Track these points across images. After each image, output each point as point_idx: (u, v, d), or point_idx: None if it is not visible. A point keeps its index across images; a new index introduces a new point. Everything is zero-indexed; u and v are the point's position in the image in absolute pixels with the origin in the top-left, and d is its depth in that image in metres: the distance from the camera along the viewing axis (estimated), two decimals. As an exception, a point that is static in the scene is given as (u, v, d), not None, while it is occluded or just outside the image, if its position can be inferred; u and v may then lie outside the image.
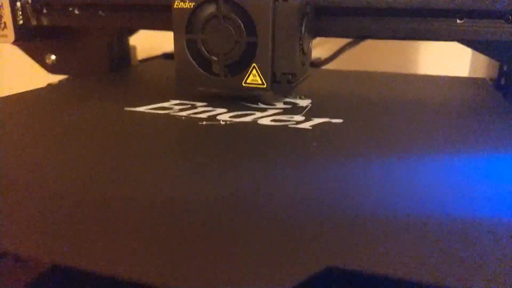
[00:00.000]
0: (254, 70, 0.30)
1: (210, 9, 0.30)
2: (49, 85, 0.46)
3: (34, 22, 0.42)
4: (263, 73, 0.30)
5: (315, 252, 0.14)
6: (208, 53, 0.31)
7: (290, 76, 0.30)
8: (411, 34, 0.33)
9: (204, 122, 0.27)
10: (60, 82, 0.48)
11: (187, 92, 0.34)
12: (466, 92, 0.39)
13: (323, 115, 0.29)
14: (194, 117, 0.28)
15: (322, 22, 0.35)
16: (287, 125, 0.27)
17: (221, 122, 0.27)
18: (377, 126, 0.28)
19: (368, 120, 0.29)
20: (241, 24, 0.30)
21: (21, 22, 0.42)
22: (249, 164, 0.21)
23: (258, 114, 0.29)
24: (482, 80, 0.43)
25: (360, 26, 0.34)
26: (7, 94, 0.34)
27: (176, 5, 0.30)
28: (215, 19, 0.30)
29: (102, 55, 0.47)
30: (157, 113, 0.29)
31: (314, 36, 0.35)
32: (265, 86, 0.30)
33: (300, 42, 0.30)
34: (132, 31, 0.50)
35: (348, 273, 0.13)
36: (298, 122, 0.28)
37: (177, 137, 0.26)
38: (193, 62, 0.31)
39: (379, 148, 0.24)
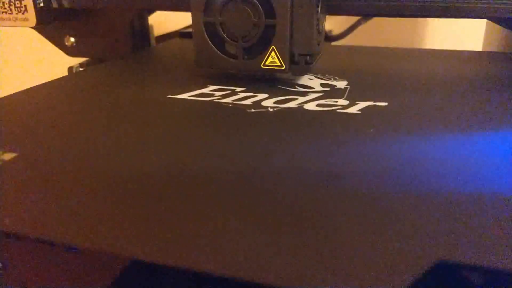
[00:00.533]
0: (273, 52, 0.30)
1: (229, -9, 0.30)
2: (71, 68, 0.46)
3: (55, 5, 0.43)
4: (281, 54, 0.30)
5: (422, 244, 0.14)
6: (226, 35, 0.31)
7: (308, 57, 0.31)
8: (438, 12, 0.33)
9: (253, 110, 0.27)
10: (82, 65, 0.49)
11: (218, 75, 0.34)
12: (496, 67, 0.39)
13: (365, 97, 0.29)
14: (240, 104, 0.28)
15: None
16: (335, 110, 0.27)
17: (269, 109, 0.27)
18: (424, 107, 0.28)
19: (412, 101, 0.29)
20: (259, 6, 0.30)
21: (41, 4, 0.42)
22: (321, 148, 0.22)
23: (301, 98, 0.29)
24: (504, 54, 0.43)
25: (376, 4, 0.34)
26: (31, 82, 0.35)
27: (194, -12, 0.31)
28: (233, 2, 0.30)
29: (123, 35, 0.47)
30: (202, 101, 0.29)
31: (326, 14, 0.35)
32: (284, 67, 0.31)
33: (317, 23, 0.31)
34: (151, 10, 0.50)
35: (462, 267, 0.13)
36: (344, 107, 0.28)
37: (235, 126, 0.25)
38: (211, 44, 0.32)
39: (436, 128, 0.24)
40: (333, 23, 0.52)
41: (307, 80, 0.34)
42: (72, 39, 0.48)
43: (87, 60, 0.49)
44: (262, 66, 0.31)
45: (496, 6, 0.32)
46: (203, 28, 0.31)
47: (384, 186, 0.18)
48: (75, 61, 0.49)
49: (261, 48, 0.31)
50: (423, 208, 0.16)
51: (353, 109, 0.27)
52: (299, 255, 0.14)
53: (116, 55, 0.46)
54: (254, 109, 0.27)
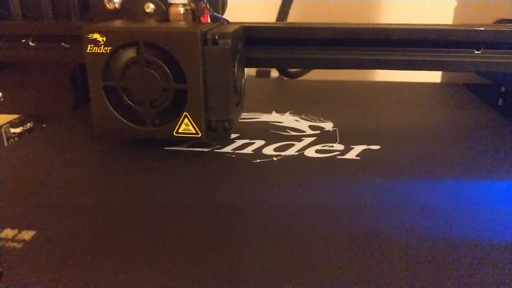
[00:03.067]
0: (185, 118, 0.27)
1: (130, 53, 0.26)
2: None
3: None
4: (196, 121, 0.27)
5: None
6: (131, 101, 0.27)
7: (226, 123, 0.28)
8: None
9: (258, 160, 0.28)
10: (13, 124, 0.40)
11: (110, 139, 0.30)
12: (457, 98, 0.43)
13: (357, 141, 0.31)
14: (242, 153, 0.29)
15: (254, 52, 0.32)
16: (335, 156, 0.29)
17: (274, 158, 0.28)
18: (414, 149, 0.30)
19: (402, 144, 0.31)
20: (167, 70, 0.26)
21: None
22: (346, 200, 0.23)
23: (298, 144, 0.30)
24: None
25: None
26: None
27: (90, 50, 0.26)
28: (136, 64, 0.26)
29: (63, 89, 0.39)
30: (202, 151, 0.29)
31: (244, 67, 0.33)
32: (199, 135, 0.27)
33: (234, 84, 0.28)
34: None
35: None
36: (342, 152, 0.29)
37: (248, 180, 0.26)
38: (114, 111, 0.28)
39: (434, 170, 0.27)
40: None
41: (294, 122, 0.35)
42: (-1, 94, 0.40)
43: (18, 118, 0.41)
44: (175, 134, 0.28)
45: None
46: (103, 93, 0.27)
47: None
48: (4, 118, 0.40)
49: (173, 114, 0.27)
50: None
51: (351, 155, 0.29)
52: None
53: (57, 111, 0.39)
54: (258, 159, 0.28)
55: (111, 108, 0.27)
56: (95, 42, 0.26)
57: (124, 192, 0.24)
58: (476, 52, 0.31)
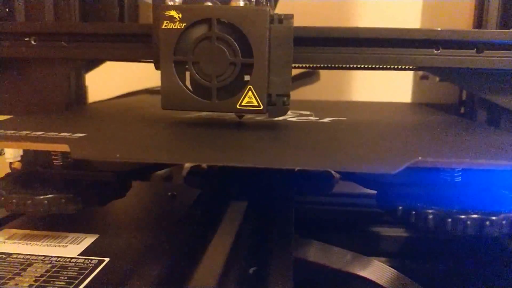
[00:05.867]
0: (249, 91, 0.29)
1: (202, 29, 0.29)
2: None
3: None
4: (259, 94, 0.29)
5: None
6: (199, 75, 0.29)
7: (285, 97, 0.30)
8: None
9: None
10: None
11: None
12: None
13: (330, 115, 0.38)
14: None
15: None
16: (312, 121, 0.36)
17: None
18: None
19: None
20: (236, 45, 0.29)
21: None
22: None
23: (282, 117, 0.35)
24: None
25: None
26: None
27: (165, 25, 0.29)
28: (207, 40, 0.29)
29: (58, 91, 0.40)
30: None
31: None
32: (261, 107, 0.29)
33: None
34: (90, 67, 0.45)
35: None
36: (317, 120, 0.36)
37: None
38: (181, 84, 0.30)
39: None
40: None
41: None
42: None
43: (10, 119, 0.42)
44: (238, 107, 0.30)
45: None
46: (174, 68, 0.29)
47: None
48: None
49: (236, 88, 0.30)
50: None
51: (325, 120, 0.36)
52: None
53: (48, 112, 0.39)
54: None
55: (179, 81, 0.29)
56: (171, 19, 0.29)
57: None
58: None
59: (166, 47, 0.29)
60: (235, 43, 0.29)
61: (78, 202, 0.28)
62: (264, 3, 0.31)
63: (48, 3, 0.38)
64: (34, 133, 0.27)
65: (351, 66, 0.37)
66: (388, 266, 0.33)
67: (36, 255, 0.27)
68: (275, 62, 0.29)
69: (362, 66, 0.36)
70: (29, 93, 0.40)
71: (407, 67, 0.37)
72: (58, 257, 0.27)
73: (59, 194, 0.28)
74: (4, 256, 0.27)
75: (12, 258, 0.27)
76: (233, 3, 0.32)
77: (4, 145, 0.31)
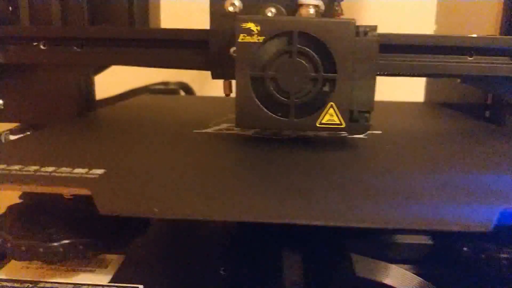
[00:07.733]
0: (331, 108, 0.28)
1: (280, 43, 0.27)
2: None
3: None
4: (341, 111, 0.28)
5: None
6: (276, 92, 0.27)
7: (368, 114, 0.28)
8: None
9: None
10: (13, 131, 0.38)
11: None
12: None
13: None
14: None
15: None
16: (345, 137, 0.32)
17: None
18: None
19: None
20: (318, 60, 0.27)
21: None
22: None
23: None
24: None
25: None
26: None
27: (242, 39, 0.27)
28: (286, 55, 0.27)
29: (69, 97, 0.38)
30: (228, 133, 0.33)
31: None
32: (343, 125, 0.28)
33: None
34: (99, 70, 0.43)
35: None
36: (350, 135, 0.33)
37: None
38: (258, 102, 0.28)
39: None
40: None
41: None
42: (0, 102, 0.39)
43: (18, 126, 0.40)
44: (318, 125, 0.28)
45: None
46: (250, 83, 0.27)
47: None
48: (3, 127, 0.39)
49: (314, 105, 0.28)
50: None
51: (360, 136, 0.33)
52: None
53: (59, 119, 0.38)
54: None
55: (255, 99, 0.28)
56: (249, 32, 0.27)
57: None
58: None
59: (243, 62, 0.27)
60: (316, 57, 0.27)
61: (97, 247, 0.24)
62: (339, 6, 0.30)
63: (55, 5, 0.36)
64: (43, 169, 0.23)
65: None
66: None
67: (65, 283, 0.24)
68: (359, 77, 0.27)
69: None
70: (37, 99, 0.38)
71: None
72: (89, 285, 0.24)
73: (75, 239, 0.23)
74: (30, 285, 0.24)
75: (38, 287, 0.24)
76: (302, 11, 0.30)
77: (8, 188, 0.22)
